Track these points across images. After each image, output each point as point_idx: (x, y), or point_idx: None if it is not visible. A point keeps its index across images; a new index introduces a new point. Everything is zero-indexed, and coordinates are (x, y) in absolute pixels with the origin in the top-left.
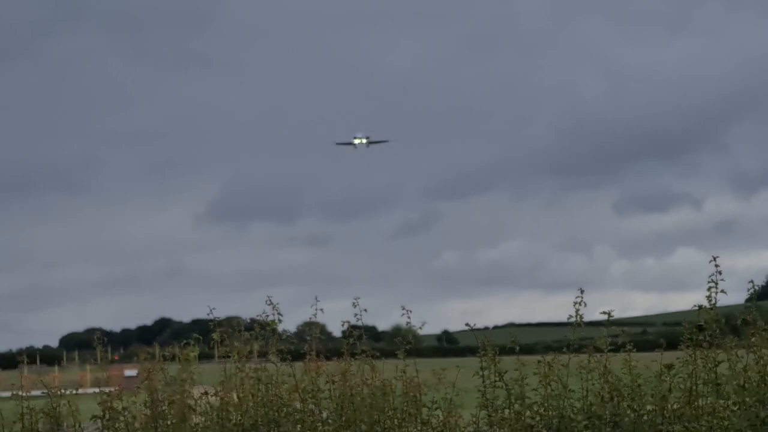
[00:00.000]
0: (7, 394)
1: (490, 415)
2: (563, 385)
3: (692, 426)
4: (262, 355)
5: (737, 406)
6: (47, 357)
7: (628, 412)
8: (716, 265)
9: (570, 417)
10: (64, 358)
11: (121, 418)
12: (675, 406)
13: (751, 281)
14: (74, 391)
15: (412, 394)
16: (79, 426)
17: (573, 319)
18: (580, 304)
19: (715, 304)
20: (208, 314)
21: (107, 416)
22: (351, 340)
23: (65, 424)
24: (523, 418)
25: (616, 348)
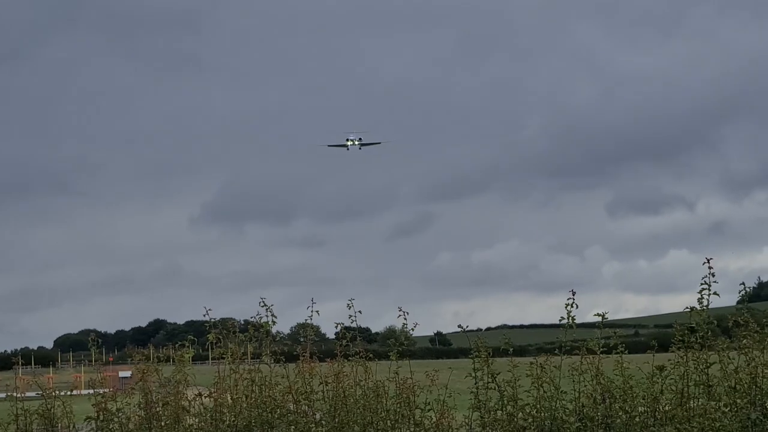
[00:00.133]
0: (2, 395)
1: (482, 417)
2: (555, 386)
3: (684, 427)
4: (256, 356)
5: (728, 408)
6: (42, 358)
7: (620, 413)
8: (710, 267)
9: (562, 418)
10: (59, 360)
11: (116, 420)
12: (667, 408)
13: (743, 283)
14: (69, 393)
15: (405, 396)
16: (74, 427)
17: (565, 321)
18: (571, 306)
19: (707, 306)
20: (204, 315)
21: (101, 417)
22: (344, 341)
23: (60, 425)
24: (515, 419)
25: (608, 350)
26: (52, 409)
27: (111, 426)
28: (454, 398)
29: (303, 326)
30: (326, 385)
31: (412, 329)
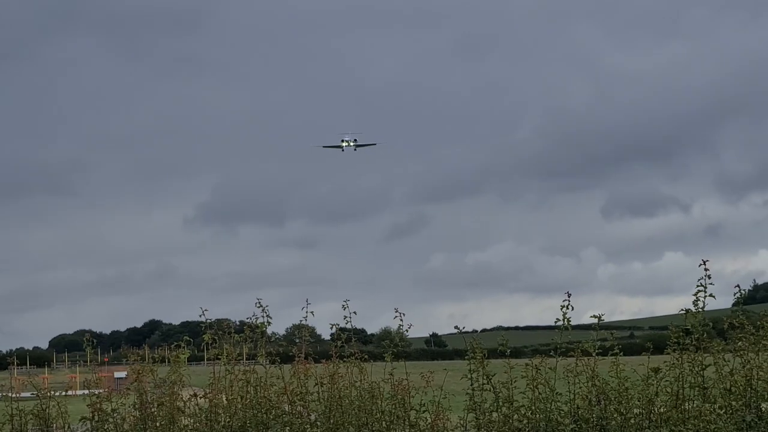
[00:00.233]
0: None
1: (477, 418)
2: (551, 388)
3: (679, 429)
4: (252, 357)
5: (724, 410)
6: (37, 358)
7: (615, 415)
8: (706, 269)
9: (557, 420)
10: (54, 360)
11: (111, 420)
12: (662, 410)
13: (738, 286)
14: (64, 393)
15: (400, 397)
16: (69, 427)
17: (560, 323)
18: (567, 308)
19: (703, 308)
20: (200, 316)
21: (96, 418)
22: (339, 342)
23: (55, 425)
24: (510, 421)
25: (604, 351)
26: (48, 410)
27: (106, 426)
28: (449, 400)
29: (298, 327)
30: (321, 386)
31: (407, 330)
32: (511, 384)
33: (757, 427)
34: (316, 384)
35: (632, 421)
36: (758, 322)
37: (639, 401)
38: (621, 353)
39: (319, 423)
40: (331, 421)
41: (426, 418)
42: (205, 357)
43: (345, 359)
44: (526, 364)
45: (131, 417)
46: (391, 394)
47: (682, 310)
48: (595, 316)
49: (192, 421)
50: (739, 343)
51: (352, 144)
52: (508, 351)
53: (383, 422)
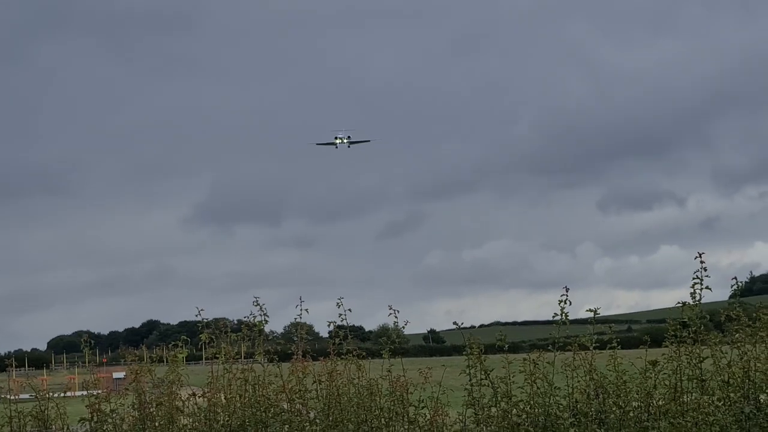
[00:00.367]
0: None
1: (476, 414)
2: (549, 382)
3: (677, 422)
4: (250, 356)
5: (722, 402)
6: (35, 360)
7: (614, 408)
8: (702, 262)
9: (556, 414)
10: (53, 361)
11: (110, 420)
12: (660, 403)
13: (735, 278)
14: (62, 394)
15: (398, 393)
16: (68, 428)
17: (558, 317)
18: (565, 303)
19: (699, 300)
20: (196, 315)
21: (95, 418)
22: (337, 340)
23: (54, 426)
24: (509, 416)
25: (601, 345)
26: (46, 411)
27: (105, 427)
28: (447, 395)
29: (295, 325)
30: (320, 383)
31: (404, 327)
32: (510, 379)
33: (755, 418)
34: (315, 382)
35: (631, 414)
36: (755, 314)
37: (637, 394)
38: (619, 347)
39: (318, 420)
40: (330, 418)
41: (425, 414)
42: (203, 356)
43: (343, 356)
44: (524, 359)
45: (130, 417)
46: (390, 391)
47: (680, 302)
48: (590, 310)
49: (191, 420)
50: (737, 335)
51: (345, 141)
52: (506, 346)
53: (382, 419)
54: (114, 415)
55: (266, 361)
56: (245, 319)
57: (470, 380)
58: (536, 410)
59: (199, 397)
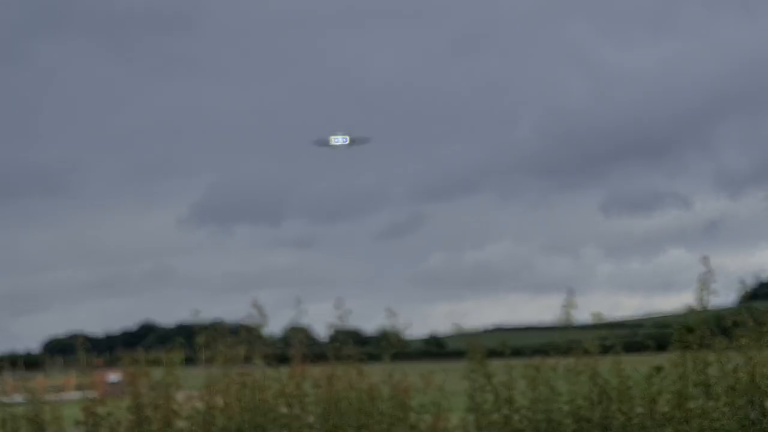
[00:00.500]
0: None
1: (478, 419)
2: (551, 388)
3: (682, 428)
4: (248, 359)
5: (727, 408)
6: (30, 362)
7: (618, 415)
8: (708, 266)
9: (559, 420)
10: (47, 363)
11: (105, 423)
12: (665, 409)
13: (742, 282)
14: (57, 397)
15: (399, 398)
16: None
17: (561, 322)
18: (569, 307)
19: (705, 305)
20: (193, 317)
21: (91, 421)
22: (337, 343)
23: (48, 429)
24: (511, 421)
25: (605, 350)
26: (41, 414)
27: (100, 430)
28: (449, 400)
29: (294, 329)
30: (319, 388)
31: (405, 330)
32: (512, 384)
33: (761, 424)
34: (314, 386)
35: (635, 420)
36: (761, 319)
37: (641, 400)
38: (622, 352)
39: (317, 425)
40: (330, 423)
41: (426, 419)
42: (201, 359)
43: (342, 360)
44: (527, 365)
45: (126, 420)
46: (391, 396)
47: (686, 306)
48: (594, 314)
49: (188, 424)
50: (743, 340)
51: (345, 141)
52: (508, 351)
53: (382, 424)
54: (110, 418)
55: (265, 364)
56: (243, 321)
57: (472, 385)
58: (538, 416)
59: (196, 400)
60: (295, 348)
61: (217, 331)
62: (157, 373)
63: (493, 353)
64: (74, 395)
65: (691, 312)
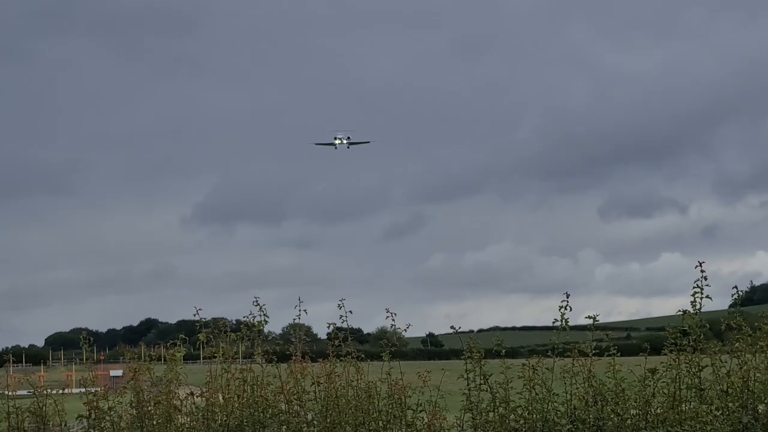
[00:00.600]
0: None
1: (474, 418)
2: (547, 388)
3: (675, 430)
4: (248, 356)
5: (720, 411)
6: (33, 356)
7: (612, 416)
8: (702, 271)
9: (554, 420)
10: (50, 358)
11: (107, 418)
12: (658, 411)
13: (735, 287)
14: (60, 391)
15: (397, 397)
16: (65, 425)
17: (558, 323)
18: (565, 309)
19: (699, 309)
20: (194, 315)
21: (93, 416)
22: (336, 342)
23: (51, 423)
24: (507, 421)
25: (601, 352)
26: (44, 408)
27: (102, 424)
28: (446, 399)
29: (294, 326)
30: (318, 385)
31: (405, 330)
32: (508, 384)
33: (753, 428)
34: (313, 383)
35: (629, 422)
36: (755, 324)
37: (636, 402)
38: (618, 354)
39: (315, 422)
40: (328, 420)
41: (423, 417)
42: (201, 355)
43: (342, 358)
44: (523, 365)
45: (128, 415)
46: (388, 394)
47: (680, 311)
48: (590, 317)
49: (189, 419)
50: (736, 345)
51: (345, 141)
52: (503, 351)
53: (380, 422)
54: (112, 413)
55: (265, 361)
56: (244, 319)
57: (468, 385)
58: (534, 416)
59: (197, 396)
60: (295, 346)
61: (218, 328)
62: (159, 368)
63: (490, 353)
64: (76, 390)
65: (686, 316)
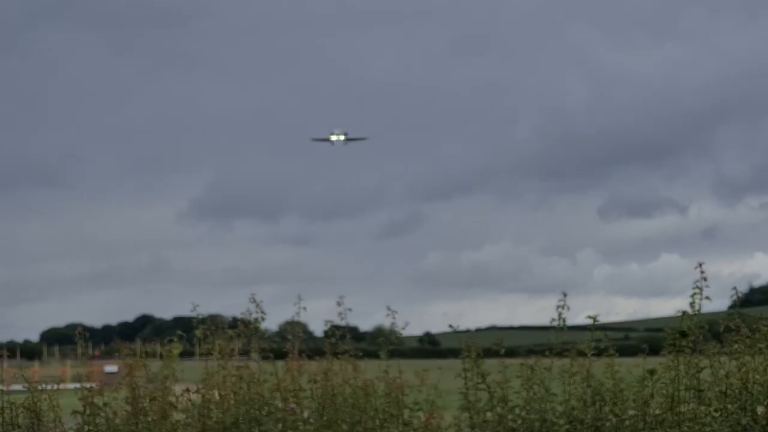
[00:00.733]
0: None
1: (472, 417)
2: (545, 388)
3: (673, 431)
4: (245, 353)
5: (719, 413)
6: (27, 351)
7: (610, 416)
8: (702, 272)
9: (552, 420)
10: (45, 353)
11: (102, 414)
12: (656, 412)
13: (734, 288)
14: (55, 386)
15: (394, 395)
16: (60, 421)
17: (556, 323)
18: (563, 308)
19: (699, 310)
20: (191, 311)
21: (88, 412)
22: (333, 339)
23: (45, 419)
24: (505, 420)
25: (599, 352)
26: (38, 403)
27: (97, 420)
28: (443, 398)
29: (291, 324)
30: (315, 383)
31: (403, 328)
32: (506, 383)
33: (752, 430)
34: (310, 381)
35: (627, 422)
36: (754, 325)
37: (634, 403)
38: (617, 354)
39: (312, 420)
40: (324, 417)
41: (420, 416)
42: (198, 352)
43: (339, 356)
44: (521, 364)
45: (123, 411)
46: (386, 392)
47: (679, 311)
48: (590, 317)
49: (184, 416)
50: (735, 346)
51: (342, 138)
52: (503, 351)
53: (377, 420)
54: (107, 409)
55: (261, 358)
56: (241, 316)
57: (466, 384)
58: (532, 416)
59: (192, 393)
60: (292, 343)
61: (214, 324)
62: (155, 365)
63: (487, 352)
64: (71, 385)
65: (684, 317)
